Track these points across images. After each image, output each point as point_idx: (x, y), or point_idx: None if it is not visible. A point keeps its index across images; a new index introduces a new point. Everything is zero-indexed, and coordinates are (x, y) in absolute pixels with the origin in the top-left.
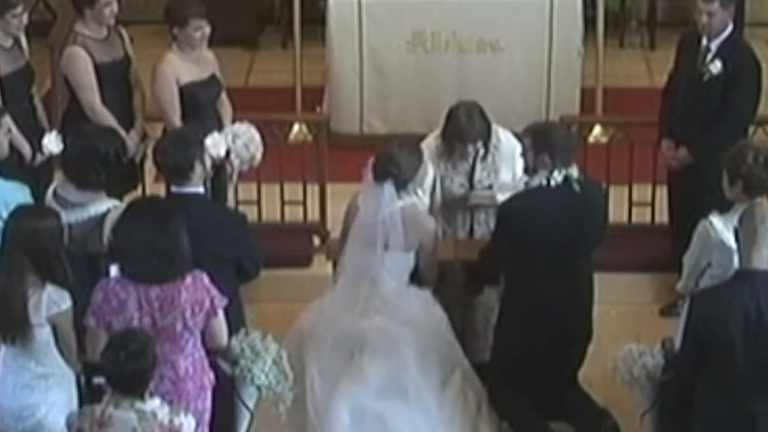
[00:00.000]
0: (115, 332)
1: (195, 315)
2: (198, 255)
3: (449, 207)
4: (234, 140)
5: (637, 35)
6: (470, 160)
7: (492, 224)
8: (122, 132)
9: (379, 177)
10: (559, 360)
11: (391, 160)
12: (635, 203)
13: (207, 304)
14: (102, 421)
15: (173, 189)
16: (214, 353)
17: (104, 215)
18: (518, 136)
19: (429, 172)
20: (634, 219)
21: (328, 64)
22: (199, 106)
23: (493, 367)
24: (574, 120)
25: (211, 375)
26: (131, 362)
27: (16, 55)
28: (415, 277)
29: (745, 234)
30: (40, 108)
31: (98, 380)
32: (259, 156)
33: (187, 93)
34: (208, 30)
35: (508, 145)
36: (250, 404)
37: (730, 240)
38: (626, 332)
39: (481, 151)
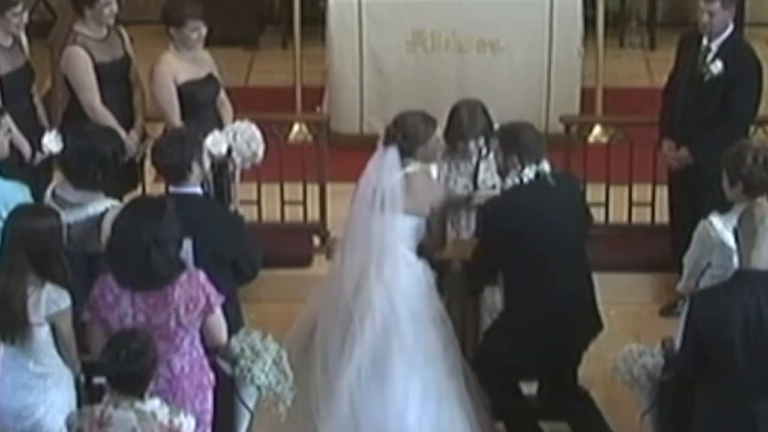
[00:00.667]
0: (115, 332)
1: (189, 312)
2: (195, 255)
3: (453, 208)
4: (235, 138)
5: (637, 35)
6: (473, 160)
7: None
8: (122, 132)
9: (385, 141)
10: (559, 357)
11: (398, 125)
12: (635, 203)
13: (202, 301)
14: (101, 422)
15: (171, 189)
16: (213, 352)
17: (102, 215)
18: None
19: (433, 170)
20: (634, 219)
21: (328, 64)
22: (198, 105)
23: (490, 361)
24: (574, 120)
25: (211, 375)
26: (131, 362)
27: (16, 55)
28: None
29: (744, 234)
30: (40, 107)
31: (98, 380)
32: (260, 153)
33: (185, 92)
34: (204, 31)
35: None
36: (250, 404)
37: (730, 240)
38: (626, 332)
39: (484, 151)
